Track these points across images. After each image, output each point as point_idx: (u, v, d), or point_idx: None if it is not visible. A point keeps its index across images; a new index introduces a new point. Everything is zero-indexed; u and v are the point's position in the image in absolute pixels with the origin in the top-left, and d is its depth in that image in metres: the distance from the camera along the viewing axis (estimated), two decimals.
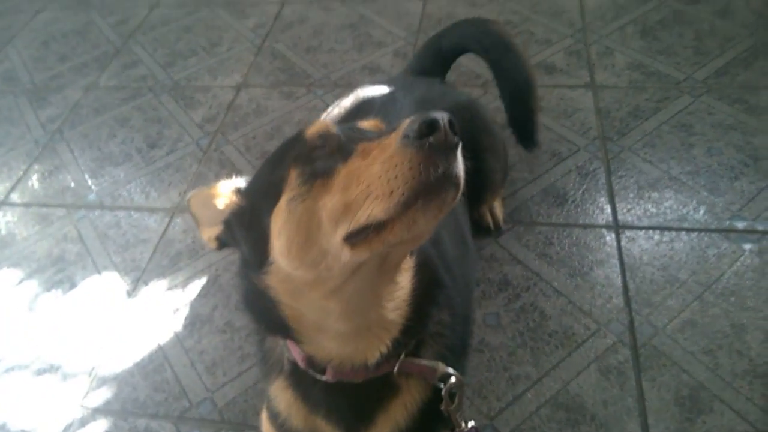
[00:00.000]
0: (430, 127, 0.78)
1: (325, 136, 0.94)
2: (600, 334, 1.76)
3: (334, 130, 0.95)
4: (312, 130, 0.95)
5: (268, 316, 1.08)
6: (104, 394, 1.80)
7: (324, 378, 1.10)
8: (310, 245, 0.91)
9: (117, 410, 1.75)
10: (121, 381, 1.82)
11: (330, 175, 0.89)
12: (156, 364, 1.85)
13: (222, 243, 1.16)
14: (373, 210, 0.81)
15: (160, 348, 1.89)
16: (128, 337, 1.93)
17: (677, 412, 1.60)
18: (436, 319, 1.18)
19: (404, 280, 1.06)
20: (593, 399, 1.64)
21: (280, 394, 1.26)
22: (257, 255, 1.03)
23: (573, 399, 1.64)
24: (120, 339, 1.93)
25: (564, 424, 1.60)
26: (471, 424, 1.19)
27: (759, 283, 1.83)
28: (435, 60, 2.17)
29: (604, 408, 1.62)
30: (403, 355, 1.08)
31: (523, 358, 1.74)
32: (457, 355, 1.24)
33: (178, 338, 1.90)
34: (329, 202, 0.88)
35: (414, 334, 1.10)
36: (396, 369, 1.09)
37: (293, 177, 0.93)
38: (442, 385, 1.13)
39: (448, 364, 1.15)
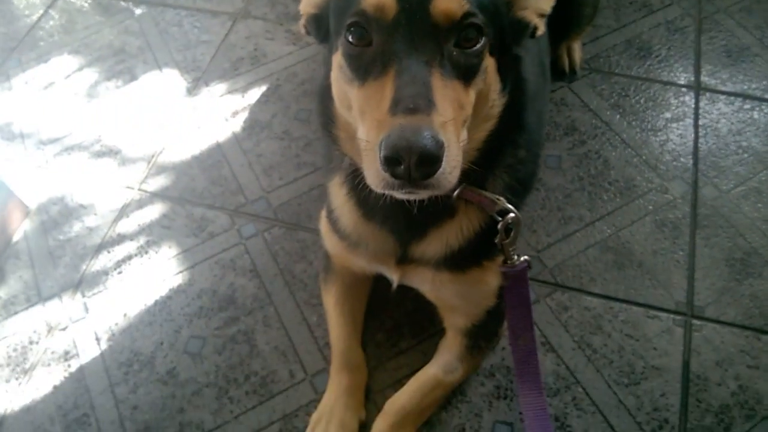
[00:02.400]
0: (393, 164, 0.79)
1: (378, 17, 0.86)
2: (662, 189, 1.72)
3: (392, 11, 0.85)
4: (370, 2, 0.86)
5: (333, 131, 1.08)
6: (162, 181, 1.83)
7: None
8: (347, 110, 0.97)
9: (174, 197, 1.79)
10: (180, 171, 1.85)
11: (362, 78, 0.89)
12: (214, 159, 1.86)
13: (308, 31, 1.10)
14: (362, 162, 0.88)
15: (219, 146, 1.89)
16: (187, 132, 1.93)
17: (726, 272, 1.58)
18: (511, 155, 1.14)
19: (485, 126, 1.01)
20: (643, 248, 1.63)
21: (336, 191, 1.26)
22: (326, 67, 1.03)
23: (623, 245, 1.63)
24: (179, 132, 1.93)
25: (610, 266, 1.60)
26: (524, 257, 1.19)
27: None
28: None
29: (652, 257, 1.61)
30: (464, 184, 1.05)
31: (579, 201, 1.71)
32: (522, 190, 1.22)
33: (236, 139, 1.90)
34: (354, 104, 0.92)
35: (482, 169, 1.05)
36: (456, 194, 1.06)
37: (343, 45, 0.92)
38: (500, 219, 1.11)
39: (512, 197, 1.13)
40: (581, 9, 1.72)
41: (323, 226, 1.41)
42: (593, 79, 1.94)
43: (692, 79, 1.93)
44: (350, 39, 0.90)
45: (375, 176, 0.83)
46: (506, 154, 1.12)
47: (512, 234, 1.14)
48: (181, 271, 1.66)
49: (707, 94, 1.89)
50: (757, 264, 1.59)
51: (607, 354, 1.47)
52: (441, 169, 0.80)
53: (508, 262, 1.18)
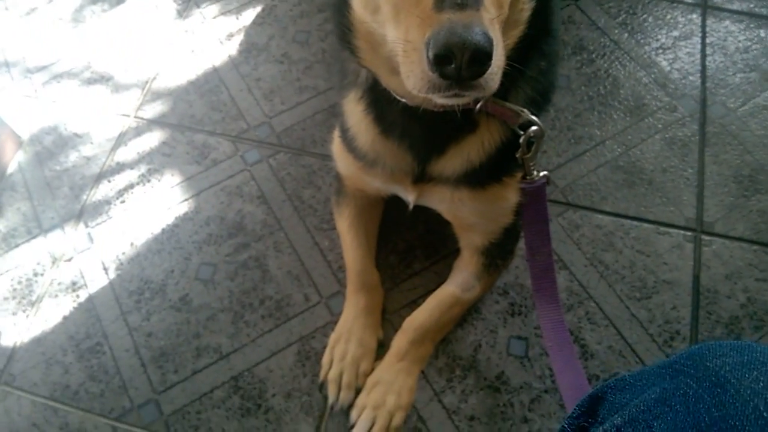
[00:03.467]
0: (443, 60, 0.70)
1: None
2: (671, 107, 1.64)
3: None
4: None
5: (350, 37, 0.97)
6: (159, 107, 1.71)
7: (404, 99, 0.98)
8: (373, 14, 0.87)
9: (173, 123, 1.67)
10: (176, 97, 1.72)
11: None
12: (212, 84, 1.73)
13: None
14: (401, 63, 0.78)
15: (215, 70, 1.75)
16: (181, 56, 1.79)
17: (734, 188, 1.54)
18: (536, 65, 1.05)
19: (513, 33, 0.91)
20: (653, 166, 1.57)
21: (352, 108, 1.15)
22: None
23: (633, 163, 1.57)
24: (172, 57, 1.79)
25: (620, 184, 1.54)
26: (543, 173, 1.11)
27: None
28: None
29: (662, 174, 1.56)
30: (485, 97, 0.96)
31: (589, 121, 1.64)
32: (542, 102, 1.13)
33: (233, 63, 1.76)
34: (385, 5, 0.82)
35: (508, 80, 0.96)
36: (478, 107, 0.97)
37: None
38: (521, 132, 1.03)
39: (533, 109, 1.04)
40: None
41: (336, 147, 1.32)
42: None
43: None
44: None
45: (419, 78, 0.75)
46: (532, 62, 1.03)
47: (534, 148, 1.07)
48: (186, 199, 1.56)
49: (714, 12, 1.80)
50: (765, 180, 1.55)
51: (619, 270, 1.44)
52: (490, 69, 0.72)
53: (528, 177, 1.12)
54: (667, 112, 1.64)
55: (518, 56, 0.95)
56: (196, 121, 1.67)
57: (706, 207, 1.52)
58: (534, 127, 1.03)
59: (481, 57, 0.70)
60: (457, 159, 1.11)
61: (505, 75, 0.96)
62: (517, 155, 1.07)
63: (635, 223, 1.50)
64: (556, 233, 1.48)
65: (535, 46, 1.00)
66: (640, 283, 1.42)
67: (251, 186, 1.57)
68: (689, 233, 1.48)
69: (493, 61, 0.72)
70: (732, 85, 1.68)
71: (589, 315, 1.38)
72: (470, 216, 1.23)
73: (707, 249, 1.46)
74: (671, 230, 1.48)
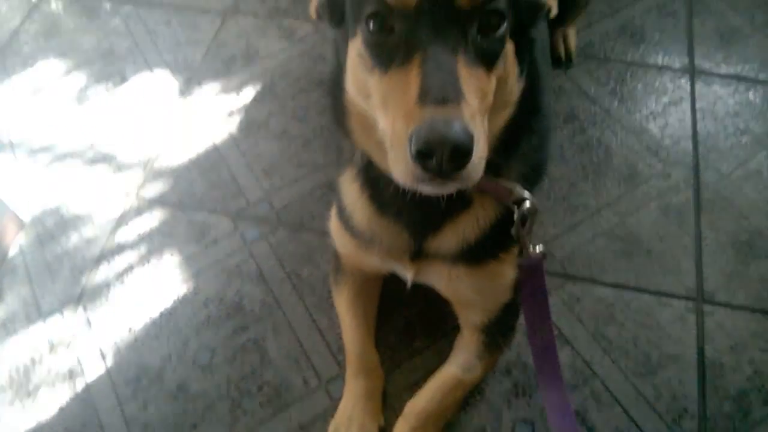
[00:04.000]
0: (424, 155, 0.71)
1: (400, 8, 0.76)
2: (664, 174, 1.62)
3: (412, 2, 0.75)
4: None
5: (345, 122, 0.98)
6: (160, 186, 1.69)
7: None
8: (365, 99, 0.87)
9: (174, 202, 1.65)
10: (178, 176, 1.70)
11: (385, 66, 0.80)
12: (212, 162, 1.71)
13: (320, 15, 0.97)
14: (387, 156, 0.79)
15: (216, 147, 1.74)
16: (183, 135, 1.78)
17: (733, 255, 1.50)
18: (527, 142, 1.03)
19: (504, 114, 0.91)
20: (650, 234, 1.53)
21: (348, 186, 1.13)
22: (340, 56, 0.93)
23: (630, 232, 1.53)
24: (174, 135, 1.78)
25: (619, 254, 1.50)
26: (540, 248, 1.08)
27: None
28: None
29: (660, 243, 1.52)
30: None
31: (583, 190, 1.61)
32: (535, 177, 1.11)
33: (234, 140, 1.75)
34: (375, 94, 0.83)
35: (498, 158, 0.96)
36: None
37: (363, 32, 0.82)
38: (515, 208, 1.00)
39: (526, 185, 1.02)
40: None
41: (333, 225, 1.29)
42: (589, 65, 1.82)
43: (686, 62, 1.82)
44: (371, 27, 0.79)
45: (404, 170, 0.74)
46: (522, 140, 1.01)
47: (528, 223, 1.04)
48: (185, 280, 1.52)
49: (702, 77, 1.79)
50: (763, 246, 1.51)
51: (623, 344, 1.38)
52: (471, 161, 0.71)
53: (524, 253, 1.08)
54: (661, 179, 1.61)
55: (509, 135, 0.95)
56: (196, 200, 1.65)
57: (706, 275, 1.47)
58: (527, 203, 1.01)
59: (460, 152, 0.70)
60: (452, 236, 1.09)
61: (497, 152, 0.95)
62: (512, 231, 1.04)
63: (636, 294, 1.45)
64: (557, 307, 1.44)
65: (525, 125, 0.99)
66: (645, 358, 1.36)
67: (250, 264, 1.53)
68: (691, 303, 1.43)
69: (473, 155, 0.72)
70: (724, 149, 1.66)
71: (595, 394, 1.32)
72: (468, 293, 1.20)
73: (710, 319, 1.41)
74: (673, 301, 1.43)
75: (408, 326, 1.43)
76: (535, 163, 1.09)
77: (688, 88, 1.77)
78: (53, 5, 2.15)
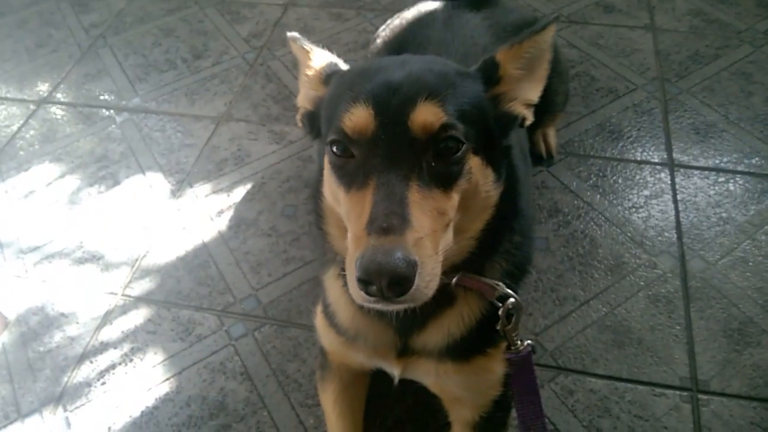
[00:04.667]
0: (366, 283, 0.82)
1: (358, 135, 0.91)
2: (650, 264, 1.76)
3: (369, 130, 0.90)
4: (350, 122, 0.91)
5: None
6: (147, 284, 1.82)
7: None
8: (339, 207, 1.00)
9: (160, 300, 1.77)
10: (165, 274, 1.84)
11: (347, 186, 0.93)
12: (201, 260, 1.86)
13: (304, 125, 1.15)
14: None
15: (205, 245, 1.90)
16: (172, 234, 1.94)
17: (724, 343, 1.60)
18: (508, 240, 1.16)
19: (482, 217, 1.04)
20: (640, 324, 1.64)
21: (332, 283, 1.26)
22: (321, 162, 1.07)
23: (620, 323, 1.65)
24: (164, 235, 1.94)
25: (610, 345, 1.60)
26: (527, 342, 1.18)
27: None
28: None
29: (651, 333, 1.62)
30: (461, 272, 1.08)
31: (571, 281, 1.74)
32: (519, 274, 1.24)
33: (222, 238, 1.91)
34: (342, 205, 0.96)
35: (480, 257, 1.09)
36: (453, 282, 1.08)
37: (328, 154, 0.97)
38: (500, 305, 1.11)
39: (510, 281, 1.15)
40: (554, 98, 1.84)
41: (319, 321, 1.40)
42: (570, 162, 2.03)
43: (665, 156, 2.03)
44: (334, 151, 0.94)
45: (354, 290, 0.86)
46: (503, 240, 1.15)
47: (514, 319, 1.14)
48: (167, 378, 1.61)
49: (681, 170, 1.99)
50: (755, 333, 1.61)
51: None
52: (414, 286, 0.83)
53: (512, 348, 1.18)
54: (648, 269, 1.75)
55: (490, 235, 1.08)
56: (182, 297, 1.77)
57: (699, 364, 1.56)
58: (512, 299, 1.12)
59: (399, 281, 0.81)
60: (438, 333, 1.18)
61: (480, 251, 1.08)
62: (498, 327, 1.14)
63: (629, 385, 1.53)
64: (550, 400, 1.51)
65: (506, 225, 1.12)
66: None
67: (235, 362, 1.62)
68: (685, 393, 1.51)
69: (418, 280, 0.82)
70: (708, 239, 1.81)
71: None
72: (457, 389, 1.28)
73: (705, 409, 1.48)
74: (667, 391, 1.52)
75: (398, 423, 1.50)
76: (518, 260, 1.20)
77: (669, 180, 1.96)
78: (51, 112, 2.40)
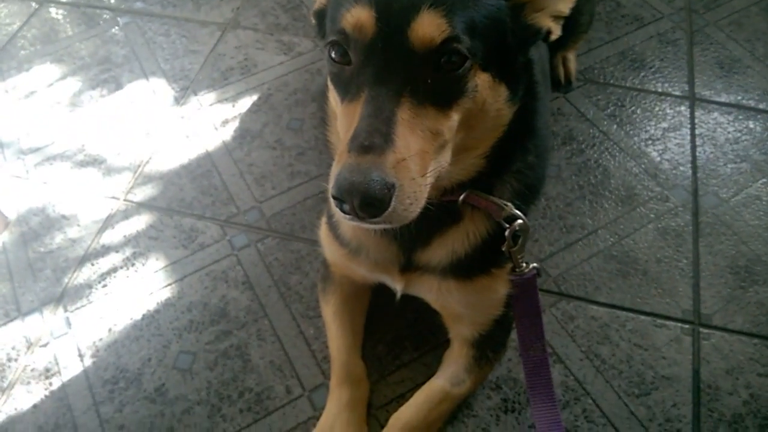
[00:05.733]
0: (341, 201, 0.79)
1: (356, 37, 0.84)
2: (662, 197, 1.71)
3: (369, 32, 0.82)
4: (350, 20, 0.83)
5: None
6: (149, 191, 1.77)
7: None
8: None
9: (162, 207, 1.73)
10: (168, 181, 1.79)
11: (343, 96, 0.89)
12: (204, 169, 1.81)
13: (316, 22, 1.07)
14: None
15: (209, 155, 1.84)
16: (175, 141, 1.88)
17: (730, 279, 1.57)
18: (521, 160, 1.11)
19: (492, 135, 0.98)
20: (647, 256, 1.61)
21: None
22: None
23: (626, 253, 1.61)
24: (167, 142, 1.88)
25: (614, 274, 1.58)
26: (533, 265, 1.16)
27: None
28: None
29: (657, 265, 1.59)
30: (469, 189, 1.03)
31: (580, 210, 1.69)
32: (530, 195, 1.19)
33: (227, 148, 1.85)
34: (338, 111, 0.92)
35: (491, 174, 1.04)
36: (461, 199, 1.03)
37: (327, 60, 0.91)
38: (507, 225, 1.07)
39: (520, 203, 1.10)
40: (579, 17, 1.74)
41: (323, 232, 1.37)
42: (589, 89, 1.95)
43: (686, 89, 1.95)
44: (332, 55, 0.88)
45: (333, 204, 0.82)
46: (516, 159, 1.09)
47: (520, 241, 1.11)
48: (169, 284, 1.59)
49: (702, 105, 1.91)
50: (762, 271, 1.58)
51: (616, 364, 1.44)
52: (390, 209, 0.78)
53: (517, 269, 1.15)
54: (659, 202, 1.70)
55: (501, 154, 1.03)
56: (185, 205, 1.73)
57: (703, 299, 1.54)
58: (519, 221, 1.08)
59: (372, 203, 0.77)
60: (442, 250, 1.15)
61: (490, 170, 1.03)
62: (504, 248, 1.11)
63: (631, 315, 1.52)
64: (550, 324, 1.50)
65: (519, 145, 1.06)
66: (639, 379, 1.42)
67: (237, 271, 1.60)
68: (687, 326, 1.49)
69: (394, 202, 0.78)
70: (723, 175, 1.76)
71: (586, 413, 1.37)
72: (458, 307, 1.26)
73: (706, 342, 1.47)
74: (668, 323, 1.50)
75: (397, 338, 1.49)
76: (530, 181, 1.15)
77: (688, 114, 1.88)
78: (53, 12, 2.29)
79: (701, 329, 1.49)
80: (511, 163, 1.08)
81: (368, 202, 0.76)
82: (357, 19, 0.83)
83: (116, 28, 2.21)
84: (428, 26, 0.80)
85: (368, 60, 0.83)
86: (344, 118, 0.87)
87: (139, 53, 2.12)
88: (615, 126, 1.86)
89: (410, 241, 1.16)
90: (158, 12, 2.25)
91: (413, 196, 0.81)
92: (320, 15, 1.03)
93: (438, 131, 0.85)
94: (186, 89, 2.01)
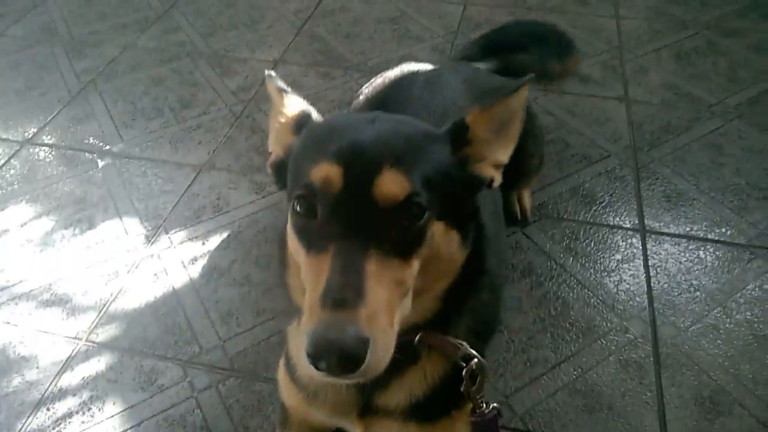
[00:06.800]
0: (315, 358, 0.78)
1: (323, 191, 0.88)
2: (622, 329, 1.72)
3: (336, 187, 0.87)
4: (317, 175, 0.88)
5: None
6: (112, 330, 1.74)
7: None
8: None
9: (124, 347, 1.69)
10: (132, 320, 1.76)
11: (307, 248, 0.90)
12: (169, 307, 1.79)
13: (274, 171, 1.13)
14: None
15: (175, 293, 1.83)
16: (143, 280, 1.88)
17: (696, 411, 1.55)
18: (474, 298, 1.13)
19: (446, 278, 1.01)
20: (611, 389, 1.59)
21: (294, 337, 1.21)
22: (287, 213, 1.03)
23: (591, 387, 1.59)
24: (134, 281, 1.88)
25: (580, 410, 1.55)
26: (493, 405, 1.14)
27: None
28: (483, 52, 2.16)
29: (621, 399, 1.57)
30: (422, 331, 1.05)
31: (543, 343, 1.69)
32: (486, 332, 1.21)
33: (194, 286, 1.85)
34: (301, 266, 0.92)
35: (445, 317, 1.06)
36: (416, 340, 1.05)
37: (291, 213, 0.93)
38: (464, 365, 1.08)
39: (476, 340, 1.12)
40: (529, 161, 1.85)
41: (280, 375, 1.34)
42: (544, 224, 2.02)
43: (636, 222, 2.03)
44: (298, 209, 0.91)
45: (303, 361, 0.82)
46: (469, 298, 1.11)
47: (478, 380, 1.10)
48: (125, 430, 1.52)
49: (653, 236, 1.98)
50: (726, 402, 1.57)
51: None
52: (365, 364, 0.78)
53: (477, 410, 1.13)
54: (619, 333, 1.71)
55: (455, 295, 1.05)
56: (148, 345, 1.70)
57: None
58: (475, 360, 1.08)
59: (349, 360, 0.77)
60: (400, 392, 1.13)
61: (444, 311, 1.05)
62: (462, 389, 1.10)
63: None
64: None
65: (472, 285, 1.08)
66: None
67: (196, 415, 1.54)
68: None
69: (369, 357, 0.78)
70: (679, 305, 1.79)
71: None
72: None
73: None
74: None
75: None
76: (485, 319, 1.18)
77: (640, 246, 1.95)
78: (35, 153, 2.37)
79: None
80: (465, 302, 1.10)
81: (346, 358, 0.76)
82: (326, 175, 0.87)
83: (95, 169, 2.28)
84: (391, 183, 0.86)
85: (335, 214, 0.86)
86: (310, 270, 0.87)
87: (115, 193, 2.17)
88: (571, 258, 1.91)
89: (368, 385, 1.12)
90: (137, 154, 2.34)
91: (385, 347, 0.81)
92: (278, 167, 1.08)
93: (402, 281, 0.87)
94: (158, 228, 2.04)
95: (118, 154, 2.35)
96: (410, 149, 0.91)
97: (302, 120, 1.08)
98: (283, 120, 1.10)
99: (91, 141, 2.42)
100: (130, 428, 1.52)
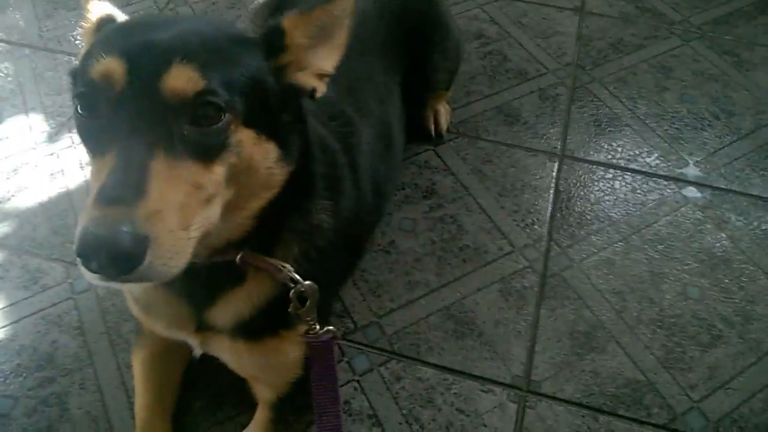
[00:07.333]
0: (85, 257, 0.72)
1: (105, 87, 0.80)
2: (512, 256, 1.68)
3: (119, 83, 0.79)
4: (98, 70, 0.80)
5: None
6: (3, 228, 1.73)
7: None
8: None
9: (13, 245, 1.69)
10: (23, 219, 1.75)
11: (92, 151, 0.84)
12: (61, 209, 1.77)
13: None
14: None
15: (69, 194, 1.80)
16: (40, 179, 1.85)
17: (567, 345, 1.53)
18: (304, 222, 1.10)
19: (263, 195, 0.96)
20: (486, 317, 1.57)
21: None
22: None
23: (465, 313, 1.58)
24: (32, 180, 1.85)
25: (449, 334, 1.54)
26: (328, 328, 1.13)
27: (693, 236, 1.73)
28: None
29: (494, 327, 1.55)
30: (244, 250, 1.01)
31: (428, 266, 1.66)
32: (320, 257, 1.15)
33: (88, 188, 1.81)
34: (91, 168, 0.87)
35: (266, 238, 1.03)
36: (238, 260, 1.01)
37: (75, 114, 0.86)
38: (293, 286, 1.05)
39: (309, 264, 1.09)
40: (434, 74, 1.73)
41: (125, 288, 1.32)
42: (459, 143, 1.93)
43: (557, 146, 1.92)
44: (78, 109, 0.84)
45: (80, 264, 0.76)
46: (293, 221, 1.08)
47: (309, 303, 1.08)
48: (4, 326, 1.55)
49: (569, 162, 1.89)
50: (602, 338, 1.55)
51: (434, 430, 1.40)
52: (146, 264, 0.72)
53: (311, 332, 1.12)
54: (508, 260, 1.67)
55: (273, 214, 1.00)
56: (35, 245, 1.70)
57: (536, 364, 1.50)
58: (305, 282, 1.06)
59: (122, 258, 0.71)
60: (226, 310, 1.12)
61: (260, 231, 1.00)
62: (290, 310, 1.08)
63: (459, 378, 1.47)
64: (376, 384, 1.46)
65: (292, 206, 1.05)
66: None
67: (72, 315, 1.56)
68: (513, 392, 1.45)
69: (150, 256, 0.72)
70: (578, 236, 1.73)
71: None
72: (251, 369, 1.23)
73: (531, 411, 1.43)
74: (495, 388, 1.46)
75: (217, 394, 1.45)
76: (320, 244, 1.13)
77: (554, 172, 1.86)
78: None
79: (528, 396, 1.45)
80: (285, 224, 1.06)
81: (118, 256, 0.71)
82: (106, 69, 0.80)
83: (8, 61, 2.19)
84: (180, 78, 0.80)
85: (119, 112, 0.80)
86: (95, 174, 0.83)
87: (25, 87, 2.10)
88: (477, 181, 1.83)
89: (198, 300, 1.13)
90: (54, 47, 2.23)
91: (173, 249, 0.76)
92: (75, 74, 1.01)
93: (200, 185, 0.82)
94: (62, 126, 1.98)
95: (36, 46, 2.25)
96: (209, 48, 0.85)
97: (103, 23, 0.99)
98: (86, 26, 1.01)
99: (5, 34, 2.30)
100: (9, 324, 1.55)
